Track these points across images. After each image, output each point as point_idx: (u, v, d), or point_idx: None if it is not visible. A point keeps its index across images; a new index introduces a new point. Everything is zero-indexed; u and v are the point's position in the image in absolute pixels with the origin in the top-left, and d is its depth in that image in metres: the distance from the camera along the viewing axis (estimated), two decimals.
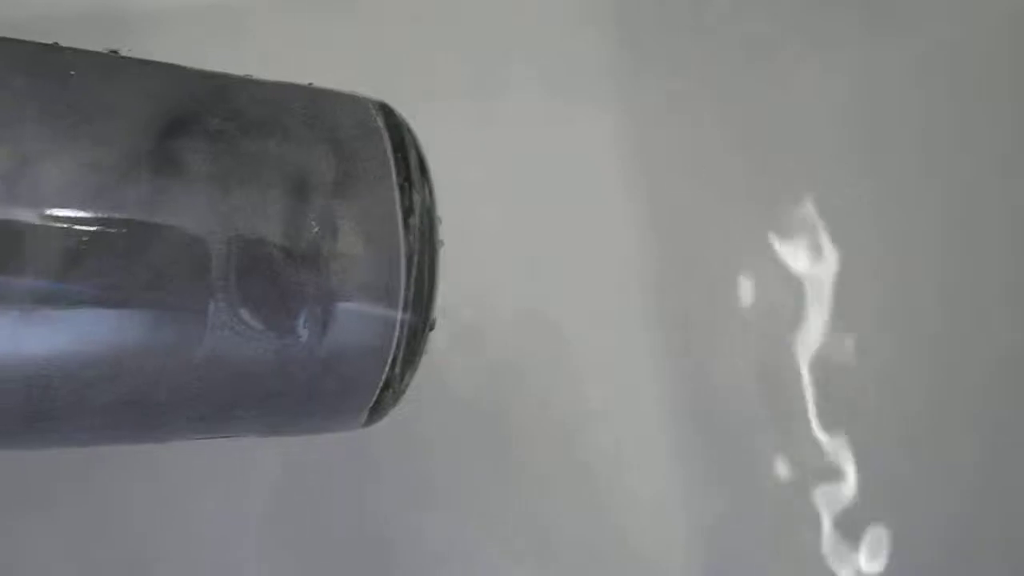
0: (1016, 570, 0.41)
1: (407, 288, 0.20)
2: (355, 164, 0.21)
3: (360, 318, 0.20)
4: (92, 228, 0.17)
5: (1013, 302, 0.42)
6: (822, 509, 0.40)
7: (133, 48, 0.21)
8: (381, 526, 0.37)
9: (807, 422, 0.40)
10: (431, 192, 0.22)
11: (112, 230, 0.17)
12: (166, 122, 0.18)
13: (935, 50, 0.42)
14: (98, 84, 0.19)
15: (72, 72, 0.18)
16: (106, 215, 0.17)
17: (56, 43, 0.21)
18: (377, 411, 0.22)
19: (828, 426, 0.41)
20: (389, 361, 0.21)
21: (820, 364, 0.40)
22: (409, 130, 0.23)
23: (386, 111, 0.23)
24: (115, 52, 0.22)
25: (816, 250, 0.41)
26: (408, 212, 0.21)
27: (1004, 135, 0.42)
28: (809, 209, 0.41)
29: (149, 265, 0.17)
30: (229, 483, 0.36)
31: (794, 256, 0.41)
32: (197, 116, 0.19)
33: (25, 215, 0.17)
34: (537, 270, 0.39)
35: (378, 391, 0.22)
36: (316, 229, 0.19)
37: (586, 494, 0.39)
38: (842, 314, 0.41)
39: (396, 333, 0.21)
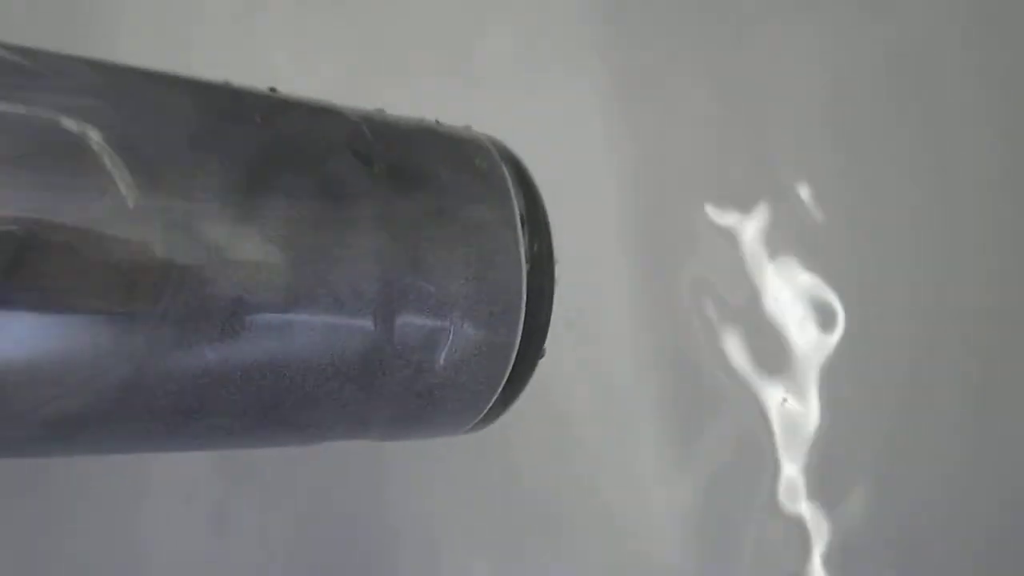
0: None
1: (525, 322, 0.23)
2: (485, 203, 0.23)
3: (484, 347, 0.23)
4: (261, 271, 0.20)
5: (992, 284, 0.42)
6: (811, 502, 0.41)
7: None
8: (359, 501, 0.37)
9: (787, 390, 0.41)
10: (549, 230, 0.24)
11: (294, 265, 0.20)
12: (346, 161, 0.21)
13: (918, 23, 0.43)
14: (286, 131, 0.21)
15: (258, 119, 0.21)
16: (289, 250, 0.20)
17: (228, 81, 0.23)
18: (483, 422, 0.25)
19: (810, 404, 0.41)
20: (502, 384, 0.24)
21: (800, 335, 0.41)
22: (525, 169, 0.25)
23: (499, 148, 0.26)
24: (273, 90, 0.24)
25: (798, 216, 0.42)
26: (530, 250, 0.23)
27: (981, 114, 0.43)
28: (791, 175, 0.42)
29: (327, 292, 0.20)
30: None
31: (775, 220, 0.41)
32: (370, 156, 0.21)
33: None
34: None
35: (488, 408, 0.24)
36: (457, 266, 0.22)
37: (564, 455, 0.40)
38: (824, 278, 0.41)
39: (511, 361, 0.23)
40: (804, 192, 0.42)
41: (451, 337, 0.22)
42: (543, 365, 0.37)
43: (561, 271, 0.37)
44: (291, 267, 0.20)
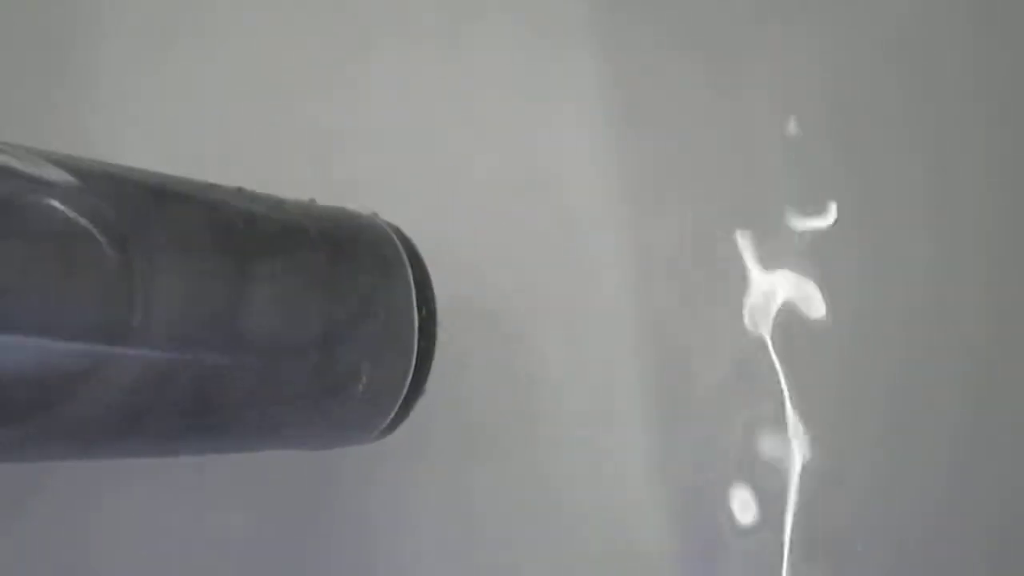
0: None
1: (415, 370, 0.33)
2: (391, 280, 0.33)
3: (387, 382, 0.33)
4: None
5: (992, 284, 0.42)
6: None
7: None
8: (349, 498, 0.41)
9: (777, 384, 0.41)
10: (434, 298, 0.34)
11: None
12: (298, 248, 0.30)
13: (917, 19, 0.43)
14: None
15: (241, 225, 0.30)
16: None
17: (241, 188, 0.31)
18: (382, 434, 0.35)
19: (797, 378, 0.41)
20: (396, 407, 0.33)
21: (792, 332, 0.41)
22: (417, 251, 0.35)
23: (398, 234, 0.35)
24: (241, 189, 0.33)
25: (794, 215, 0.42)
26: (419, 313, 0.33)
27: (980, 116, 0.42)
28: (788, 175, 0.42)
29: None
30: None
31: (768, 200, 0.42)
32: (315, 243, 0.31)
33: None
34: (508, 205, 0.42)
35: (387, 423, 0.34)
36: (373, 324, 0.32)
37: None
38: (819, 278, 0.41)
39: (403, 394, 0.33)
40: (801, 191, 0.42)
41: (366, 374, 0.32)
42: (539, 357, 0.41)
43: (555, 266, 0.41)
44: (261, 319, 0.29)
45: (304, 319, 0.30)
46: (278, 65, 0.43)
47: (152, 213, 0.28)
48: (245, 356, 0.29)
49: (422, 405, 0.34)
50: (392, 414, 0.33)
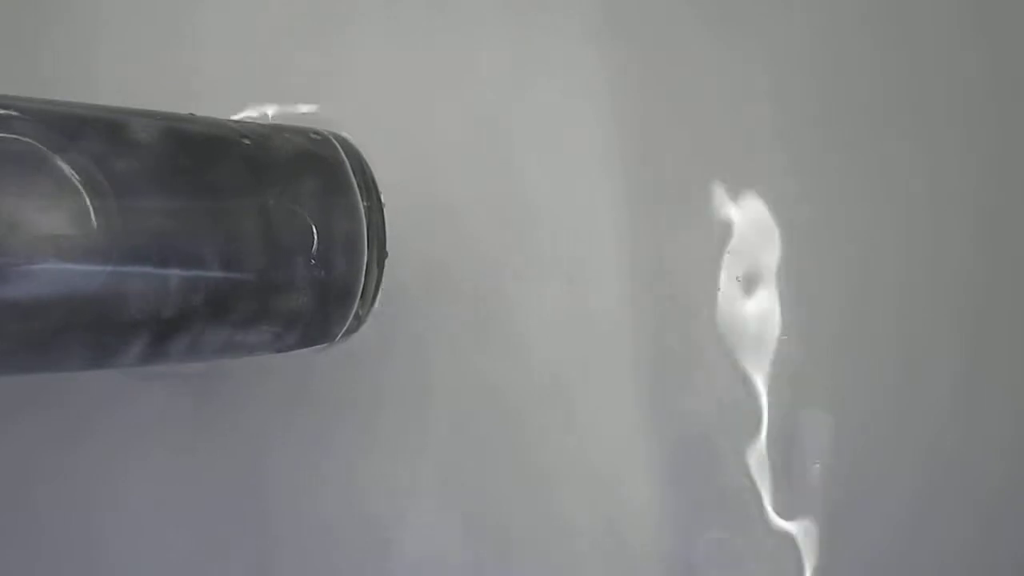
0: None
1: (368, 262, 0.35)
2: (340, 189, 0.35)
3: (345, 273, 0.35)
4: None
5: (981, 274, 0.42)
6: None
7: None
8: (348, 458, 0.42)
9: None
10: (379, 198, 0.36)
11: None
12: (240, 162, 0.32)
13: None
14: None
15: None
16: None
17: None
18: (347, 333, 0.37)
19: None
20: (353, 310, 0.36)
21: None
22: (362, 157, 0.37)
23: (342, 142, 0.37)
24: (192, 115, 0.34)
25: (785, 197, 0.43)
26: (369, 215, 0.35)
27: (962, 70, 0.43)
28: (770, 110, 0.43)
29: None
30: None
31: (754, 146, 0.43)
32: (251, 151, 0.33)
33: None
34: (505, 154, 0.43)
35: (350, 319, 0.36)
36: (316, 224, 0.34)
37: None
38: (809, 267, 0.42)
39: (360, 282, 0.35)
40: (790, 170, 0.43)
41: (315, 276, 0.34)
42: (534, 317, 0.42)
43: (555, 225, 0.42)
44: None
45: (245, 221, 0.32)
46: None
47: (103, 141, 0.30)
48: (193, 267, 0.31)
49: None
50: (352, 312, 0.36)
